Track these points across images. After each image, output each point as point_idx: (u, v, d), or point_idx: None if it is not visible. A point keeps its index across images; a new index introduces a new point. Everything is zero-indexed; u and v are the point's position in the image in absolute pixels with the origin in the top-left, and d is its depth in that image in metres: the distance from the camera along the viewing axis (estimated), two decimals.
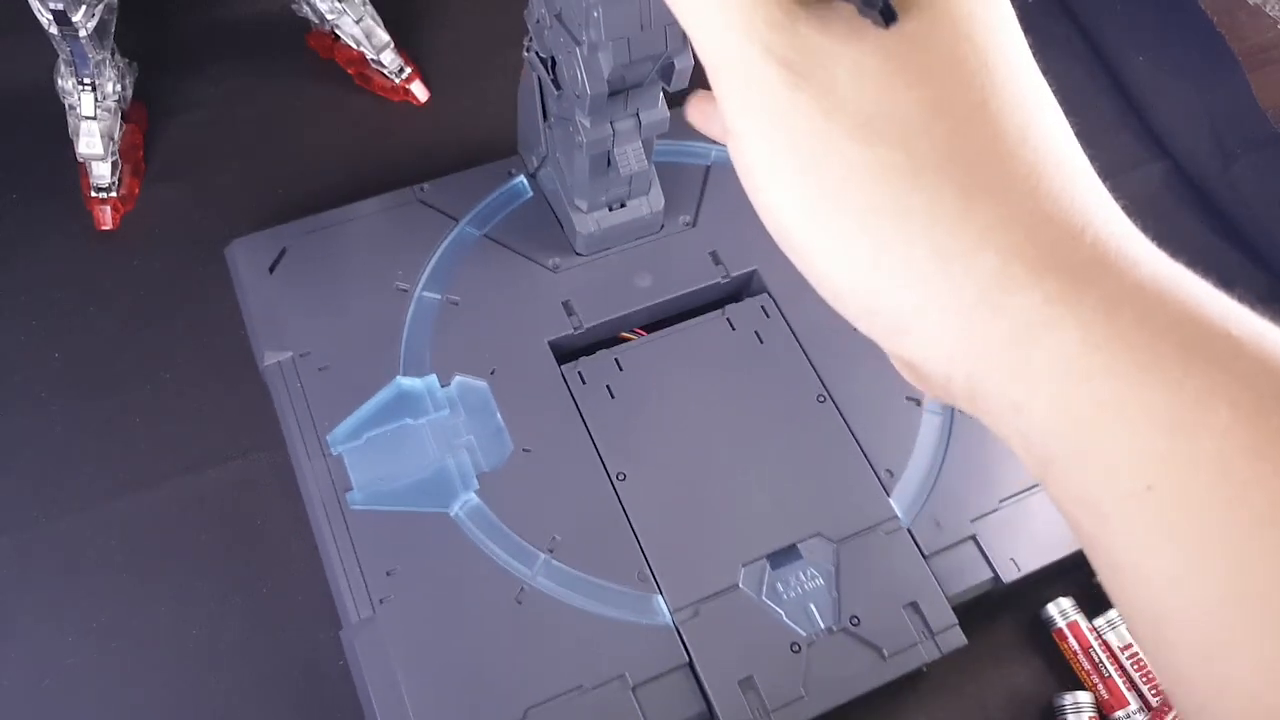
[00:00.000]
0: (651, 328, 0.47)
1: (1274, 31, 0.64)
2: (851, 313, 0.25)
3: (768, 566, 0.41)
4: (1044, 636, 0.45)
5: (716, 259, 0.48)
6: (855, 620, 0.40)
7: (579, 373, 0.45)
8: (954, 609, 0.41)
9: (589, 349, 0.46)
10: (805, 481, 0.43)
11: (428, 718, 0.37)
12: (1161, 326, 0.22)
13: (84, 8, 0.46)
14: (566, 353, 0.46)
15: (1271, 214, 0.55)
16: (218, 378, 0.48)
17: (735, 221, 0.49)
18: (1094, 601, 0.44)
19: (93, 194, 0.52)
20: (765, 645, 0.39)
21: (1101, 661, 0.43)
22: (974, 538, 0.42)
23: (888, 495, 0.43)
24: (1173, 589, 0.21)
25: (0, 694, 0.41)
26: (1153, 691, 0.43)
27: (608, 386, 0.44)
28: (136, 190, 0.53)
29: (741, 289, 0.49)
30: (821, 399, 0.45)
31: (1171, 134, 0.60)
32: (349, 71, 0.58)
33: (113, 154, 0.52)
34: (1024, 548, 0.43)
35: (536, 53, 0.42)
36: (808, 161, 0.23)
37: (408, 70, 0.57)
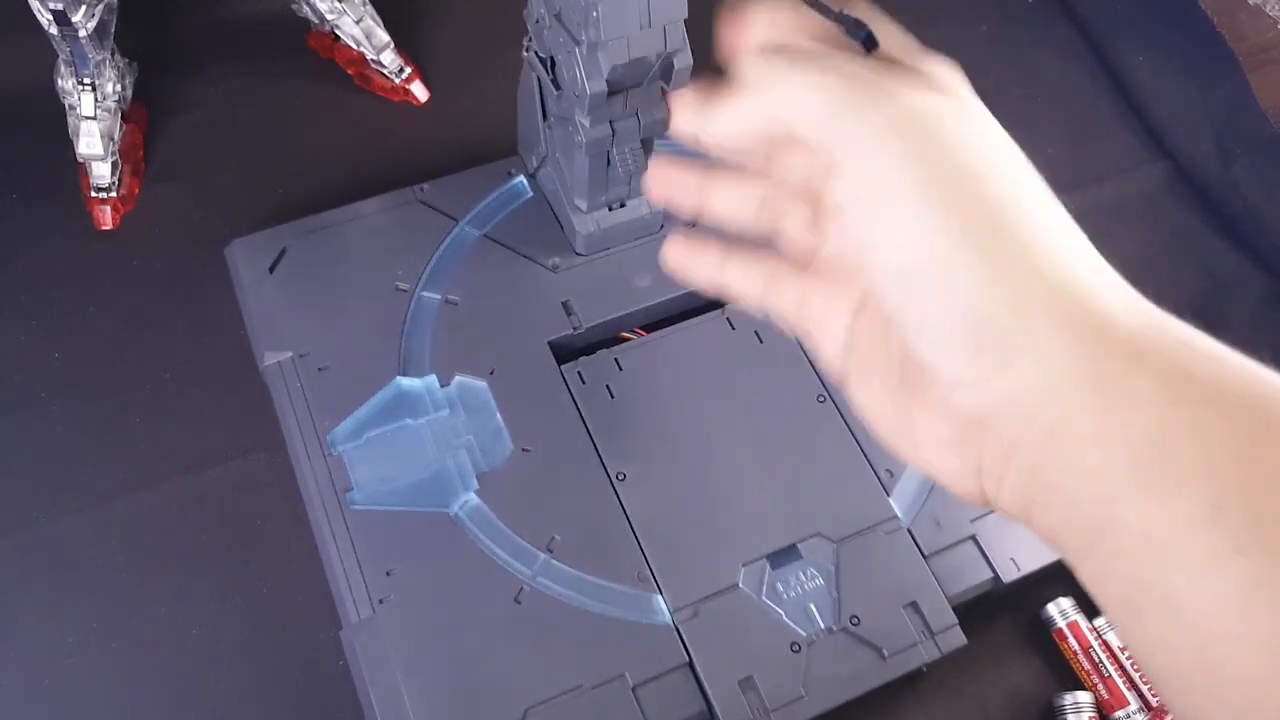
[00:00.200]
0: (651, 328, 0.47)
1: (1274, 31, 0.64)
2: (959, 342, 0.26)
3: (768, 566, 0.41)
4: (1044, 636, 0.45)
5: None
6: (855, 620, 0.40)
7: (579, 373, 0.45)
8: (954, 609, 0.41)
9: (589, 349, 0.46)
10: (805, 481, 0.43)
11: (428, 717, 0.37)
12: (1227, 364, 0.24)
13: (84, 8, 0.46)
14: (566, 353, 0.46)
15: (1271, 214, 0.55)
16: (218, 378, 0.48)
17: None
18: (1094, 602, 0.44)
19: (93, 194, 0.52)
20: (765, 645, 0.39)
21: (1101, 661, 0.43)
22: (974, 537, 0.42)
23: (888, 495, 0.43)
24: (1237, 615, 0.22)
25: (0, 694, 0.41)
26: (1153, 691, 0.43)
27: (607, 386, 0.44)
28: (136, 190, 0.53)
29: None
30: (821, 399, 0.45)
31: (1171, 134, 0.60)
32: (349, 71, 0.58)
33: (113, 154, 0.52)
34: (1024, 548, 0.43)
35: (536, 52, 0.42)
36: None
37: (408, 70, 0.57)
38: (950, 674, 0.43)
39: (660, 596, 0.40)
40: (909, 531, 0.42)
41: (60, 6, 0.45)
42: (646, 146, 0.43)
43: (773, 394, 0.45)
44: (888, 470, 0.43)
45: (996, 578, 0.42)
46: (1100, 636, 0.43)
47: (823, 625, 0.40)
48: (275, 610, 0.43)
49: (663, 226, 0.48)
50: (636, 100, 0.41)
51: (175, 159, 0.55)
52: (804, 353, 0.46)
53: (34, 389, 0.48)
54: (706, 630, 0.39)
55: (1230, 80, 0.58)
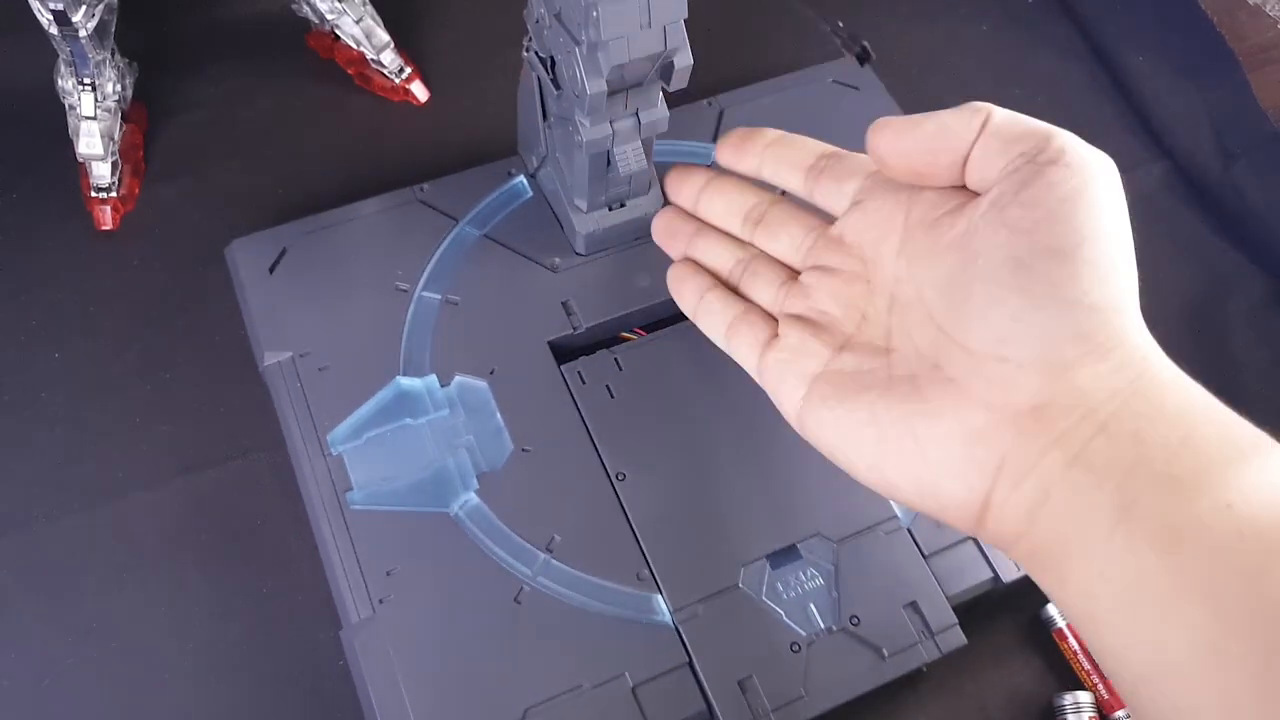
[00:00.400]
0: (651, 328, 0.47)
1: (1274, 31, 0.64)
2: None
3: (768, 566, 0.41)
4: (1044, 636, 0.45)
5: None
6: (855, 620, 0.40)
7: (579, 372, 0.45)
8: (954, 609, 0.41)
9: (589, 349, 0.46)
10: (805, 481, 0.43)
11: (428, 717, 0.37)
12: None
13: (84, 8, 0.46)
14: (566, 352, 0.46)
15: (1271, 214, 0.55)
16: (218, 378, 0.48)
17: None
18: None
19: (93, 194, 0.52)
20: (765, 645, 0.39)
21: None
22: (974, 537, 0.42)
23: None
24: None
25: (0, 694, 0.41)
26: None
27: (607, 386, 0.44)
28: (136, 190, 0.53)
29: None
30: None
31: (1171, 134, 0.60)
32: (349, 71, 0.58)
33: (113, 154, 0.52)
34: None
35: (536, 52, 0.42)
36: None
37: (408, 70, 0.57)
38: (950, 674, 0.43)
39: (660, 596, 0.40)
40: (909, 531, 0.42)
41: (60, 6, 0.45)
42: (646, 146, 0.43)
43: (775, 397, 0.45)
44: None
45: (996, 578, 0.42)
46: None
47: (822, 625, 0.40)
48: (275, 610, 0.43)
49: None
50: (636, 100, 0.41)
51: (175, 159, 0.55)
52: None
53: (34, 389, 0.48)
54: (706, 630, 0.39)
55: (1230, 80, 0.58)
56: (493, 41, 0.59)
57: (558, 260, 0.47)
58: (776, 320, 0.37)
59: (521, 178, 0.50)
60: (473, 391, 0.44)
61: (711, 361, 0.45)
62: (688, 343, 0.46)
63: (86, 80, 0.50)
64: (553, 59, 0.41)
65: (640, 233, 0.48)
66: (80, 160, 0.51)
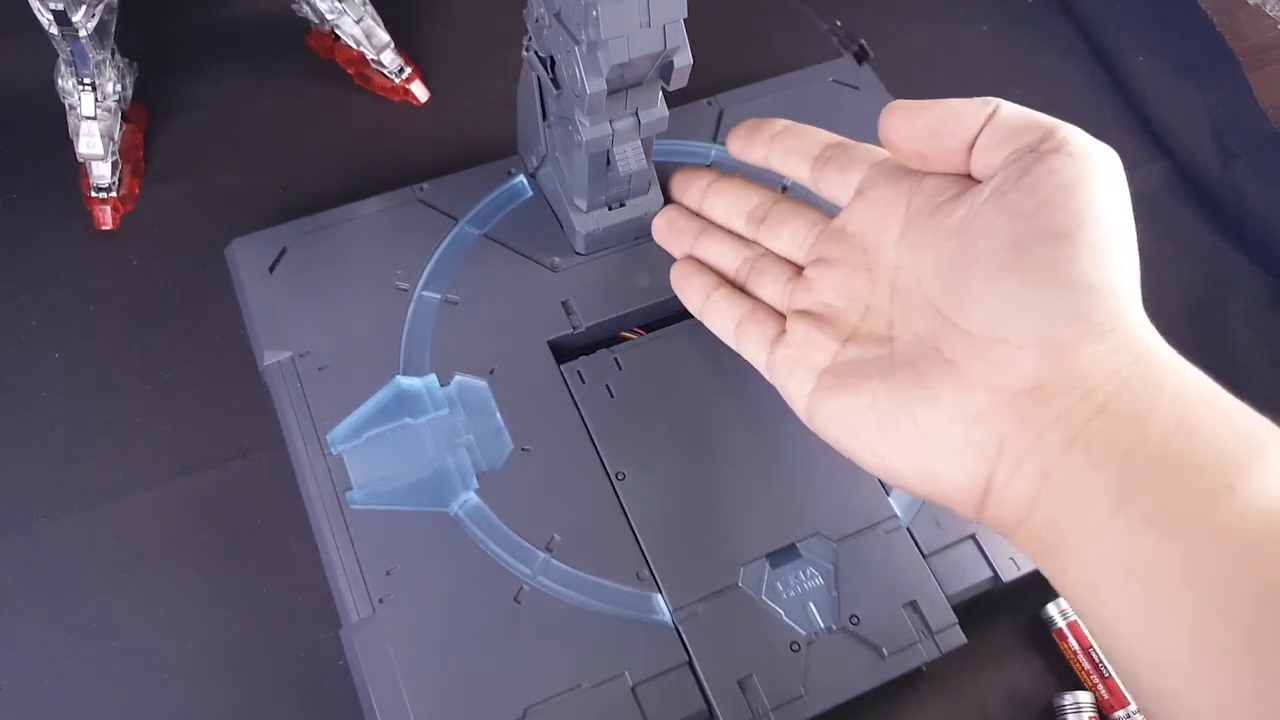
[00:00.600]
0: (651, 327, 0.47)
1: (1274, 31, 0.64)
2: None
3: (767, 566, 0.41)
4: (1044, 636, 0.45)
5: None
6: (855, 619, 0.40)
7: (578, 372, 0.45)
8: (954, 608, 0.41)
9: (588, 348, 0.46)
10: (805, 481, 0.43)
11: (428, 717, 0.37)
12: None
13: (84, 8, 0.46)
14: (566, 352, 0.46)
15: (1271, 214, 0.55)
16: (218, 378, 0.48)
17: None
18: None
19: (93, 194, 0.52)
20: (765, 644, 0.39)
21: (1101, 661, 0.43)
22: (973, 537, 0.42)
23: (887, 494, 0.43)
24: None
25: (0, 694, 0.41)
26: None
27: (607, 386, 0.44)
28: (136, 190, 0.53)
29: None
30: None
31: (1171, 134, 0.60)
32: (349, 71, 0.58)
33: (113, 154, 0.52)
34: None
35: (536, 52, 0.42)
36: None
37: (408, 70, 0.57)
38: (950, 674, 0.43)
39: (660, 596, 0.40)
40: (908, 531, 0.42)
41: (60, 6, 0.45)
42: (646, 146, 0.43)
43: (773, 393, 0.45)
44: None
45: (996, 577, 0.42)
46: None
47: (822, 624, 0.40)
48: (275, 610, 0.43)
49: None
50: (636, 100, 0.41)
51: (175, 159, 0.55)
52: None
53: (34, 389, 0.48)
54: (706, 629, 0.39)
55: (1230, 80, 0.58)
56: (493, 41, 0.59)
57: (558, 260, 0.47)
58: (784, 317, 0.37)
59: (521, 177, 0.50)
60: (472, 391, 0.44)
61: (711, 361, 0.45)
62: (687, 342, 0.46)
63: (86, 80, 0.50)
64: (552, 58, 0.41)
65: (640, 232, 0.48)
66: (80, 160, 0.51)
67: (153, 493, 0.45)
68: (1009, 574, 0.42)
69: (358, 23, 0.55)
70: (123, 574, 0.44)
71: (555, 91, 0.42)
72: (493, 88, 0.58)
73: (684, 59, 0.38)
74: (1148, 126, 0.61)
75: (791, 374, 0.35)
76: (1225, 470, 0.24)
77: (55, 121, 0.52)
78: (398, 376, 0.44)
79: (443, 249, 0.47)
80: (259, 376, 0.45)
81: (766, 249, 0.39)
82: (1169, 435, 0.25)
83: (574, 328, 0.46)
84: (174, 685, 0.42)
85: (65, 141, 0.51)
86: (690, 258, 0.41)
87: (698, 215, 0.42)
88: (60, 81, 0.50)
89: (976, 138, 0.30)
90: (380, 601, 0.39)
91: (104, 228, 0.52)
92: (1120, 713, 0.42)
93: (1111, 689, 0.42)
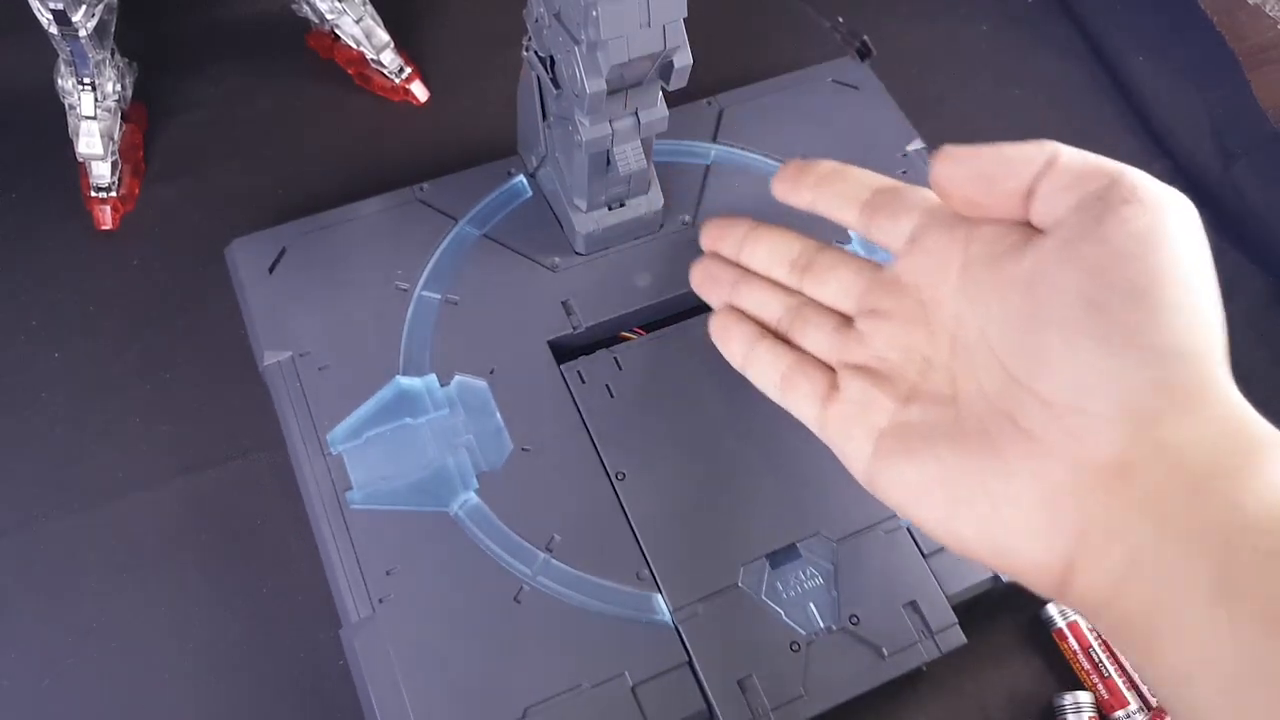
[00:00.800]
0: (651, 327, 0.47)
1: (1274, 31, 0.64)
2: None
3: (767, 566, 0.41)
4: (1044, 636, 0.45)
5: None
6: (855, 619, 0.40)
7: (578, 372, 0.45)
8: (953, 608, 0.41)
9: (588, 348, 0.46)
10: (805, 481, 0.43)
11: (428, 717, 0.37)
12: None
13: (84, 8, 0.46)
14: (566, 352, 0.46)
15: (1271, 214, 0.55)
16: (218, 378, 0.48)
17: None
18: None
19: (93, 194, 0.52)
20: (765, 644, 0.39)
21: (1101, 661, 0.43)
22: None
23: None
24: None
25: (0, 694, 0.41)
26: (1153, 691, 0.43)
27: (607, 386, 0.44)
28: (136, 190, 0.53)
29: None
30: None
31: (1171, 134, 0.60)
32: (349, 71, 0.58)
33: (113, 154, 0.52)
34: None
35: (536, 52, 0.42)
36: None
37: (408, 70, 0.57)
38: (950, 674, 0.43)
39: (660, 596, 0.40)
40: (908, 530, 0.42)
41: (60, 6, 0.45)
42: (646, 146, 0.43)
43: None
44: None
45: (996, 577, 0.42)
46: (1100, 637, 0.43)
47: (822, 624, 0.40)
48: (275, 610, 0.43)
49: (662, 226, 0.48)
50: (636, 99, 0.41)
51: (175, 159, 0.55)
52: None
53: (34, 389, 0.48)
54: (706, 629, 0.39)
55: (1230, 80, 0.58)
56: (493, 41, 0.59)
57: (558, 260, 0.47)
58: (833, 370, 0.35)
59: (521, 177, 0.50)
60: (472, 391, 0.44)
61: (712, 361, 0.45)
62: (687, 342, 0.46)
63: (86, 80, 0.50)
64: (552, 58, 0.41)
65: (640, 232, 0.48)
66: (80, 160, 0.51)
67: (153, 493, 0.45)
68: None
69: (358, 23, 0.55)
70: (123, 574, 0.44)
71: (555, 91, 0.42)
72: (493, 88, 0.58)
73: (684, 59, 0.38)
74: (1148, 126, 0.61)
75: (848, 434, 0.33)
76: None
77: (55, 121, 0.52)
78: (398, 376, 0.44)
79: (443, 249, 0.47)
80: (259, 376, 0.45)
81: (809, 297, 0.37)
82: (1274, 524, 0.23)
83: (574, 328, 0.46)
84: (174, 685, 0.42)
85: (65, 141, 0.51)
86: (730, 307, 0.39)
87: (734, 264, 0.40)
88: (60, 81, 0.50)
89: (1035, 184, 0.29)
90: (380, 601, 0.39)
91: (104, 228, 0.52)
92: (1120, 713, 0.42)
93: (1111, 689, 0.42)
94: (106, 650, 0.42)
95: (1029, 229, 0.30)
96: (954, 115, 0.59)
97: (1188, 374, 0.25)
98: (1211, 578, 0.23)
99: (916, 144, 0.53)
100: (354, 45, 0.56)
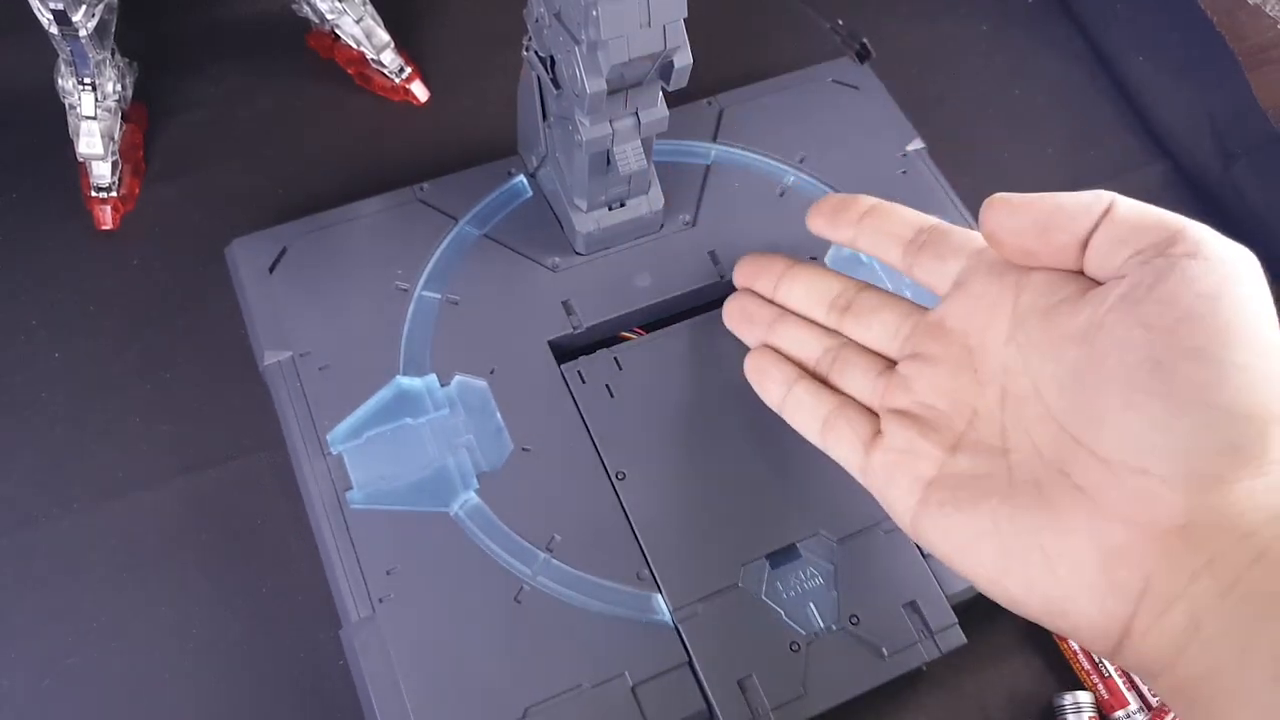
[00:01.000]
0: (651, 327, 0.47)
1: (1274, 31, 0.64)
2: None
3: (767, 566, 0.41)
4: (1044, 636, 0.45)
5: (716, 258, 0.48)
6: (855, 619, 0.40)
7: (578, 372, 0.45)
8: (953, 608, 0.41)
9: (589, 348, 0.46)
10: (805, 481, 0.43)
11: (428, 717, 0.37)
12: None
13: (84, 8, 0.46)
14: (566, 352, 0.46)
15: (1271, 214, 0.55)
16: (218, 378, 0.48)
17: (735, 221, 0.49)
18: None
19: (93, 194, 0.52)
20: (765, 644, 0.39)
21: (1101, 661, 0.43)
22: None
23: None
24: None
25: (0, 694, 0.41)
26: (1153, 691, 0.43)
27: (607, 386, 0.44)
28: (136, 190, 0.53)
29: None
30: None
31: (1171, 134, 0.60)
32: (349, 71, 0.58)
33: (113, 154, 0.52)
34: None
35: (536, 52, 0.42)
36: None
37: (408, 70, 0.57)
38: (950, 673, 0.43)
39: (660, 596, 0.40)
40: None
41: (60, 6, 0.45)
42: (646, 146, 0.43)
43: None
44: None
45: None
46: None
47: (822, 625, 0.40)
48: (275, 610, 0.43)
49: (662, 226, 0.48)
50: (636, 99, 0.41)
51: (175, 159, 0.55)
52: None
53: (34, 389, 0.48)
54: (706, 629, 0.39)
55: (1230, 80, 0.58)
56: (493, 41, 0.59)
57: (558, 260, 0.47)
58: (875, 414, 0.34)
59: (521, 177, 0.50)
60: (473, 391, 0.44)
61: (711, 361, 0.45)
62: (688, 343, 0.46)
63: (86, 80, 0.50)
64: (552, 58, 0.41)
65: (640, 232, 0.48)
66: (80, 160, 0.51)
67: (153, 493, 0.45)
68: None
69: (358, 22, 0.55)
70: (123, 574, 0.44)
71: (555, 91, 0.42)
72: (493, 88, 0.58)
73: (684, 59, 0.38)
74: (1148, 126, 0.61)
75: (893, 482, 0.32)
76: None
77: (55, 121, 0.52)
78: (398, 376, 0.44)
79: (443, 249, 0.47)
80: (259, 376, 0.45)
81: (850, 339, 0.37)
82: None
83: (574, 328, 0.46)
84: (174, 685, 0.42)
85: (65, 141, 0.51)
86: (766, 346, 0.39)
87: (770, 302, 0.39)
88: (60, 81, 0.50)
89: (1090, 235, 0.28)
90: (380, 601, 0.39)
91: (104, 228, 0.52)
92: (1120, 713, 0.42)
93: (1111, 689, 0.42)
94: (106, 650, 0.42)
95: (1083, 279, 0.29)
96: (954, 115, 0.60)
97: (1253, 435, 0.24)
98: (1275, 647, 0.22)
99: (916, 144, 0.53)
100: (354, 45, 0.56)
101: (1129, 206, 0.28)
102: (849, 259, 0.48)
